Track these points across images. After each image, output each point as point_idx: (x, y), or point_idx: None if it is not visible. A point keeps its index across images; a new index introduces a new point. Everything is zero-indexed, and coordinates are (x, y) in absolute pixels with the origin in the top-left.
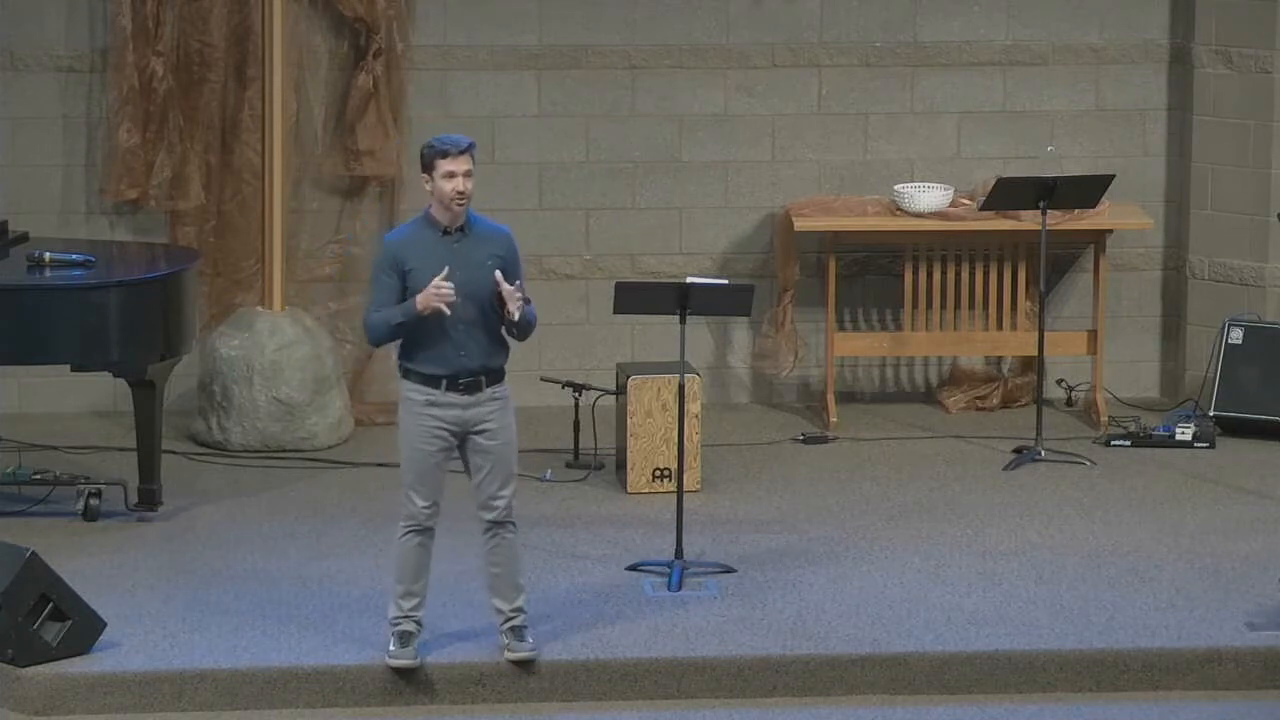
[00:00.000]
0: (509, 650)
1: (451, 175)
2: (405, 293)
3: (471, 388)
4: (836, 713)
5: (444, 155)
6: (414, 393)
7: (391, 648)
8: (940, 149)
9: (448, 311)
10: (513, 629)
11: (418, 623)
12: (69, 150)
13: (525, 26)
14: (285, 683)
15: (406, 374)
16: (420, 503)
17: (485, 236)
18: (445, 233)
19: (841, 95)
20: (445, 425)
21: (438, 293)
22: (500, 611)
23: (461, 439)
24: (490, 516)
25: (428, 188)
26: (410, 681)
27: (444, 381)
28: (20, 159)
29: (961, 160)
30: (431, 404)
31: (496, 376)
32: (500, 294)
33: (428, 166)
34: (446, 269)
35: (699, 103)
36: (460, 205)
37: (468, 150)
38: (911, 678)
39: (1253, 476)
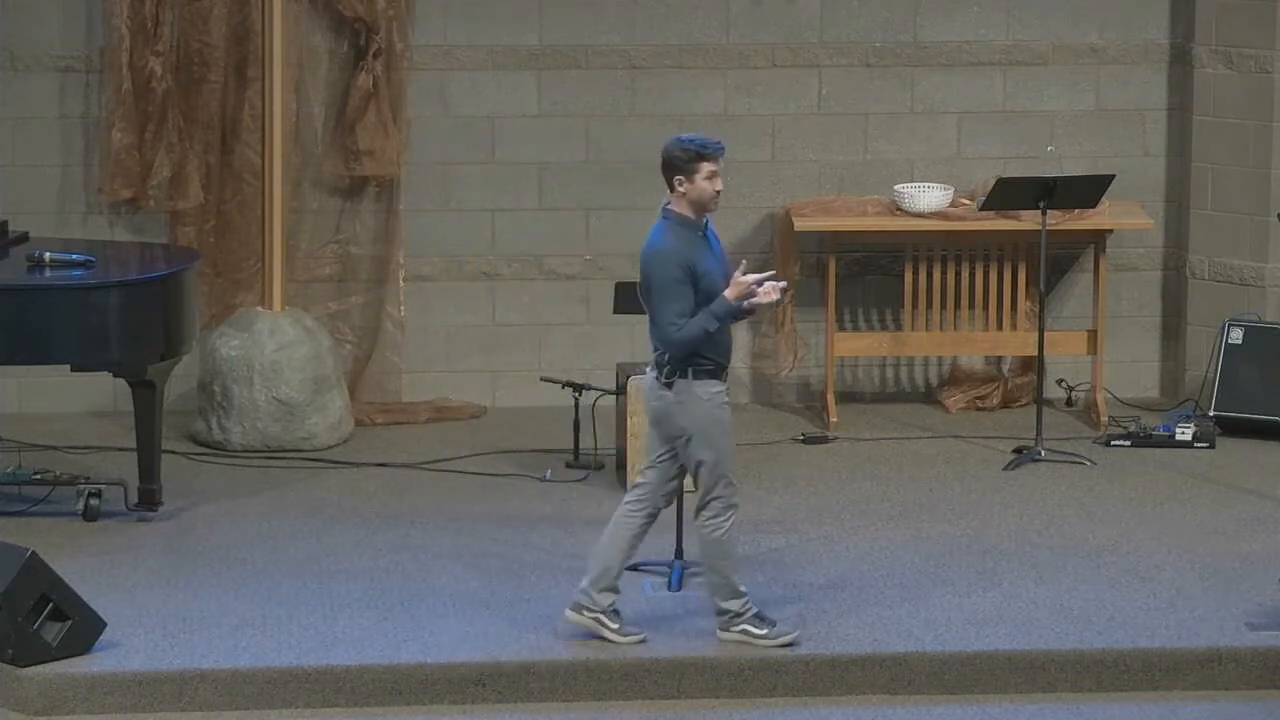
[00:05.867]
0: (619, 634)
1: (714, 175)
2: (696, 297)
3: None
4: (836, 713)
5: (706, 158)
6: (713, 387)
7: (762, 631)
8: (940, 149)
9: (774, 299)
10: (616, 611)
11: None
12: (68, 150)
13: (525, 26)
14: (285, 683)
15: (699, 374)
16: (734, 486)
17: (711, 233)
18: (699, 231)
19: (841, 95)
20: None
21: (766, 287)
22: (615, 591)
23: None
24: (668, 505)
25: (682, 189)
26: (410, 682)
27: (724, 372)
28: (20, 159)
29: (961, 160)
30: (723, 393)
31: None
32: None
33: (685, 169)
34: (744, 263)
35: (699, 103)
36: (716, 205)
37: (724, 151)
38: (911, 678)
39: (1253, 476)
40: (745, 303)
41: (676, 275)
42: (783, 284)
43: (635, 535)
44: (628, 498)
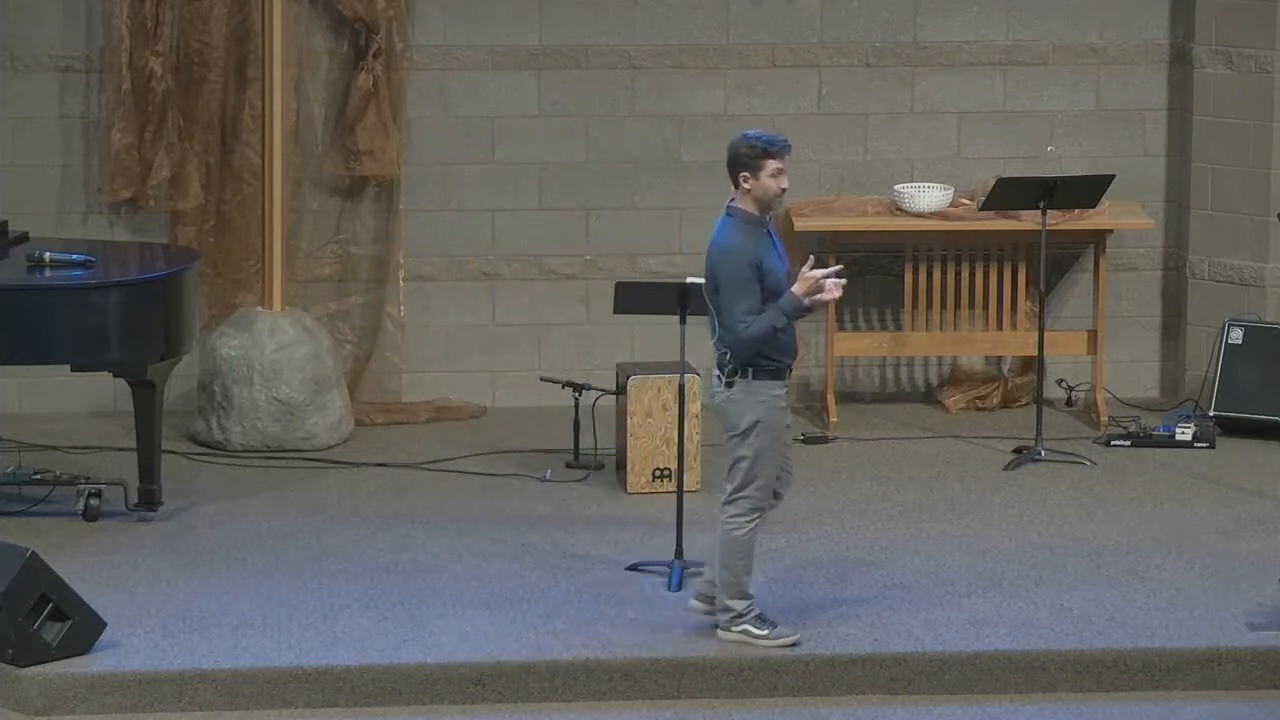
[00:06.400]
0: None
1: (780, 173)
2: (762, 293)
3: (791, 373)
4: (836, 713)
5: (772, 155)
6: (773, 388)
7: (763, 632)
8: (940, 149)
9: (836, 295)
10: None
11: None
12: (68, 150)
13: (525, 26)
14: (285, 683)
15: (759, 373)
16: (768, 492)
17: (772, 228)
18: (764, 229)
19: (841, 95)
20: (786, 414)
21: (830, 283)
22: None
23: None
24: (785, 490)
25: (747, 186)
26: (410, 682)
27: (787, 371)
28: (19, 159)
29: (961, 160)
30: (782, 395)
31: None
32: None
33: (751, 165)
34: (810, 258)
35: (699, 103)
36: (780, 202)
37: (790, 149)
38: (911, 678)
39: (1253, 476)
40: (807, 300)
41: (745, 273)
42: (843, 280)
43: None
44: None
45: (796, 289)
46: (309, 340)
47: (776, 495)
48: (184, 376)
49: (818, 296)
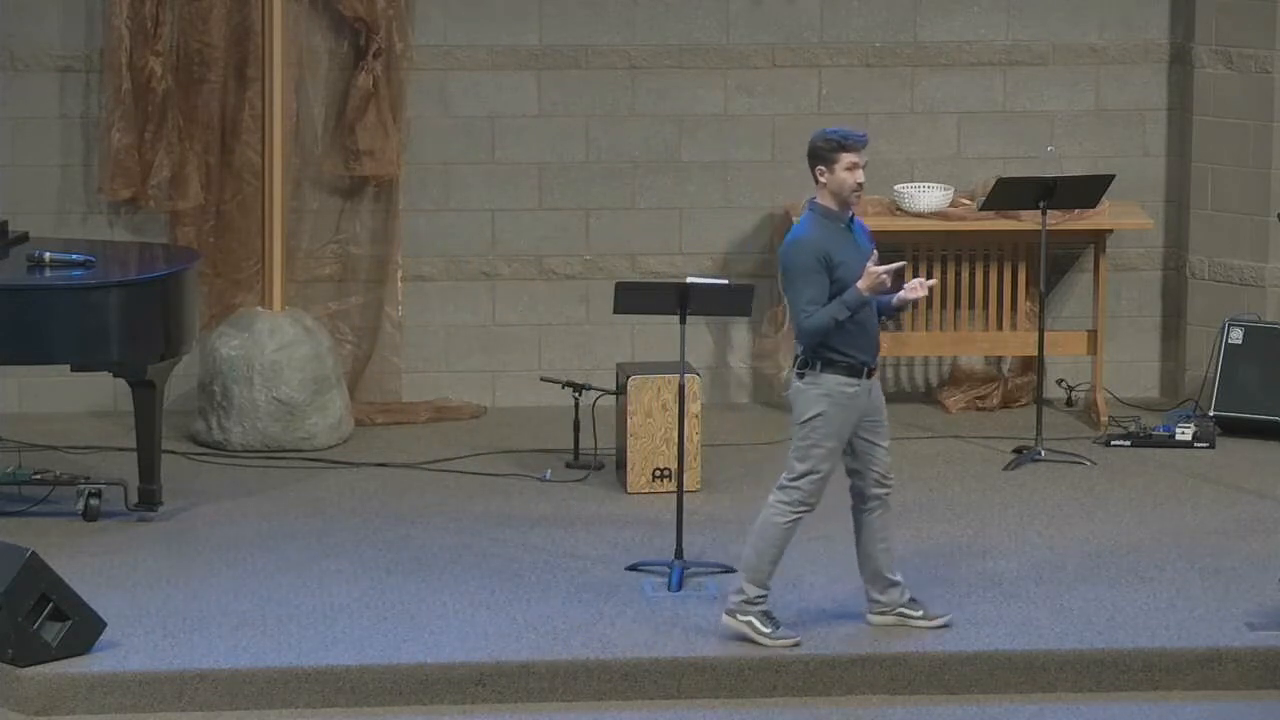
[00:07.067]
0: (925, 619)
1: (855, 167)
2: (832, 287)
3: (873, 372)
4: (836, 713)
5: (848, 148)
6: (845, 385)
7: (766, 630)
8: (940, 149)
9: (889, 284)
10: (913, 600)
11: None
12: (68, 150)
13: (525, 26)
14: (285, 683)
15: (828, 367)
16: (820, 489)
17: (858, 226)
18: (842, 223)
19: (841, 95)
20: (860, 413)
21: (917, 282)
22: (895, 584)
23: (855, 424)
24: (884, 491)
25: (823, 180)
26: (410, 682)
27: (865, 369)
28: (19, 159)
29: (961, 160)
30: (858, 394)
31: None
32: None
33: (826, 159)
34: (874, 253)
35: (699, 103)
36: (858, 197)
37: (867, 143)
38: (911, 678)
39: (1253, 476)
40: (894, 298)
41: (810, 264)
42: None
43: (875, 530)
44: (850, 504)
45: (860, 283)
46: (309, 340)
47: (872, 495)
48: (184, 376)
49: (902, 296)
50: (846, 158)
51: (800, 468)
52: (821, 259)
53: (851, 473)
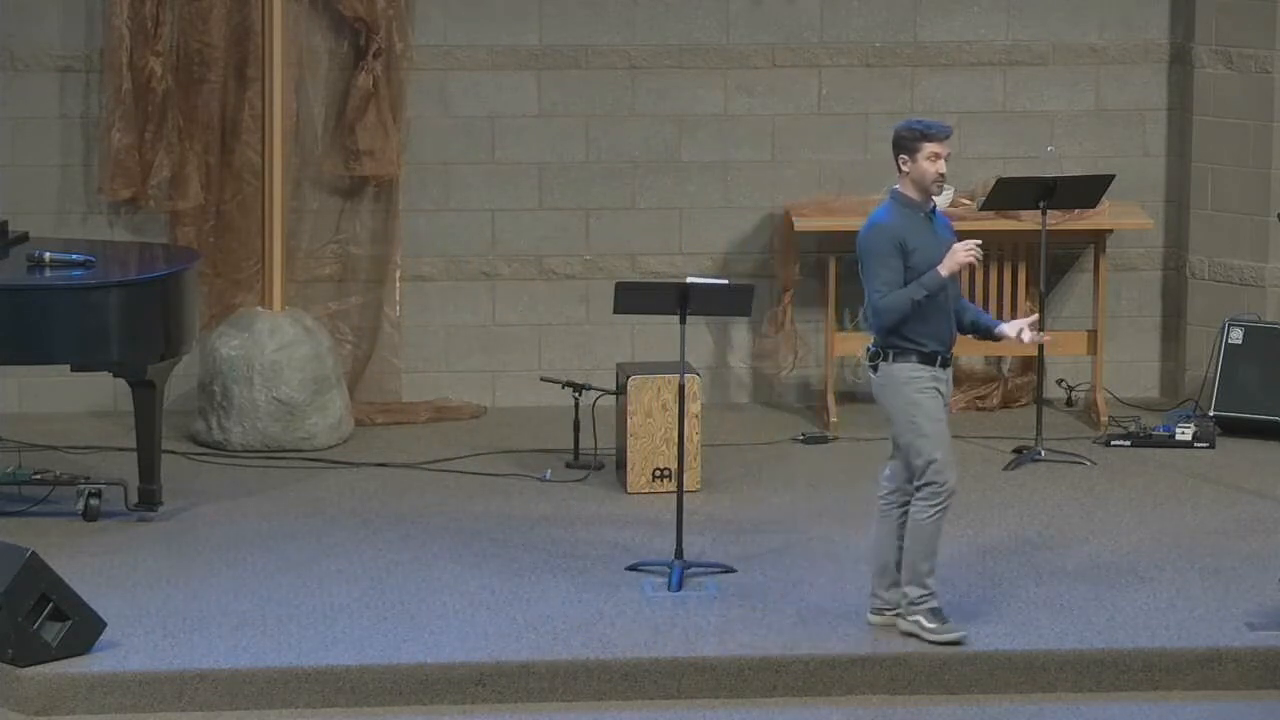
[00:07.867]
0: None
1: (937, 157)
2: (906, 273)
3: (949, 361)
4: (836, 713)
5: (930, 138)
6: (921, 371)
7: (932, 625)
8: None
9: (978, 263)
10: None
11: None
12: (68, 150)
13: (525, 26)
14: (285, 683)
15: (903, 355)
16: (954, 475)
17: (939, 218)
18: (922, 213)
19: (841, 95)
20: (945, 397)
21: (966, 250)
22: (897, 584)
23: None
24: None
25: (905, 169)
26: (410, 682)
27: (939, 358)
28: (20, 159)
29: (961, 160)
30: (936, 380)
31: None
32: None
33: (909, 148)
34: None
35: (699, 103)
36: (939, 187)
37: (950, 134)
38: (911, 678)
39: (1253, 476)
40: (940, 269)
41: (886, 248)
42: (976, 242)
43: (897, 528)
44: (879, 492)
45: (942, 266)
46: (309, 340)
47: (911, 492)
48: (184, 376)
49: (957, 258)
50: (929, 147)
51: (918, 463)
52: (897, 244)
53: (894, 458)
